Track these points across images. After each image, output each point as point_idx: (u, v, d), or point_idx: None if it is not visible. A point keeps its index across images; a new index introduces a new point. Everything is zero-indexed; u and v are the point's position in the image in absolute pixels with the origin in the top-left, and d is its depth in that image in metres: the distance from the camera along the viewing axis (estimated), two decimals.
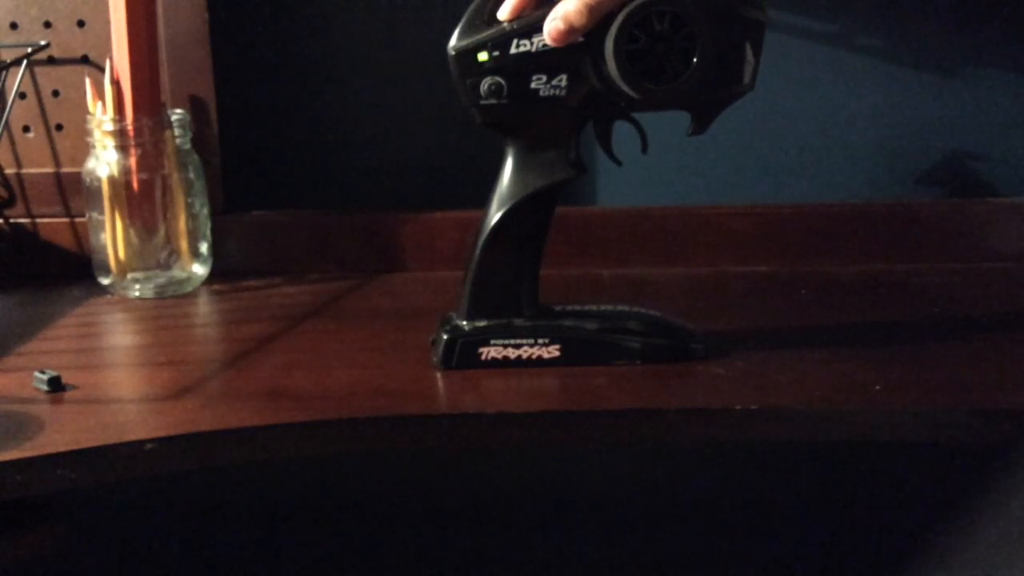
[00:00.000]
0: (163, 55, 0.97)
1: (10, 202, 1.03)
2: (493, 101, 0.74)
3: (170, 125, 0.95)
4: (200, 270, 0.99)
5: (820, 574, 1.11)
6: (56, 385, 0.76)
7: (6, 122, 0.98)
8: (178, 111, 0.98)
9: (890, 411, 0.72)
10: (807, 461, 1.10)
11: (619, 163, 0.77)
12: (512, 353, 0.78)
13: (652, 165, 0.90)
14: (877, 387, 0.74)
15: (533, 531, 1.12)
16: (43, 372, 0.77)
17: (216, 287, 0.99)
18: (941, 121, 1.04)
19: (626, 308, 0.81)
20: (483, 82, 0.73)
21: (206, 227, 0.99)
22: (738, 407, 0.71)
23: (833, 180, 1.05)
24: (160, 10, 0.96)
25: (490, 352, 0.78)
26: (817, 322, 0.88)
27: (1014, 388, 0.74)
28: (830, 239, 1.02)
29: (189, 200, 0.97)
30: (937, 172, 1.04)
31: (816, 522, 1.10)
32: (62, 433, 0.70)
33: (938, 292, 0.95)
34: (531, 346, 0.78)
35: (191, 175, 0.97)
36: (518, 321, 0.78)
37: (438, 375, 0.78)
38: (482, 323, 0.78)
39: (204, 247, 0.99)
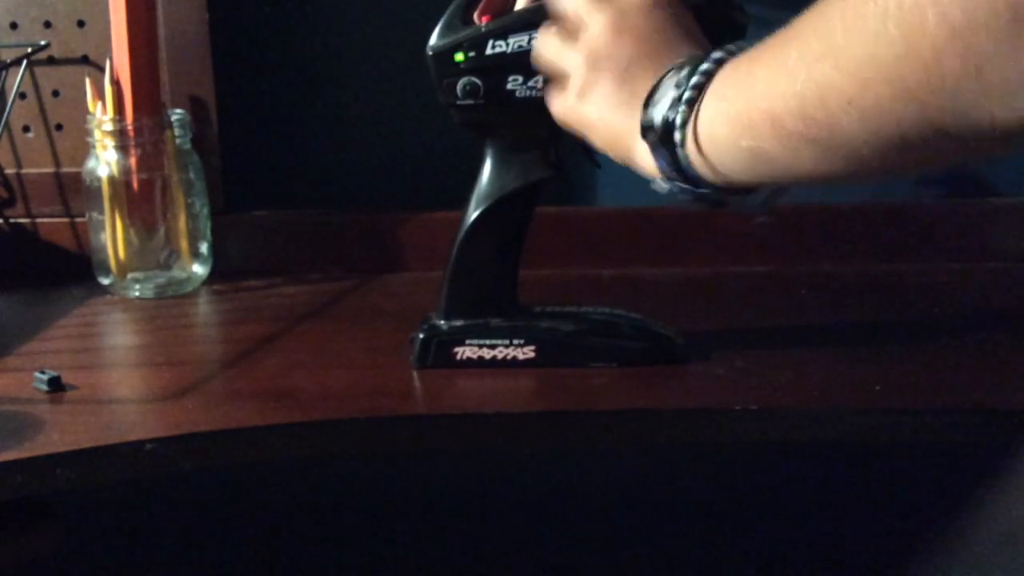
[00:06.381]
0: (163, 55, 0.97)
1: (10, 202, 1.03)
2: (470, 101, 0.73)
3: (170, 125, 0.95)
4: (200, 270, 0.99)
5: (820, 574, 1.11)
6: (56, 385, 0.76)
7: (6, 122, 0.98)
8: (178, 111, 0.98)
9: (890, 411, 0.72)
10: (807, 461, 1.10)
11: (598, 165, 0.76)
12: (487, 353, 0.78)
13: None
14: (877, 387, 0.74)
15: (533, 531, 1.12)
16: (43, 372, 0.77)
17: (216, 287, 0.99)
18: None
19: (607, 310, 0.80)
20: (459, 82, 0.73)
21: (206, 227, 0.99)
22: (738, 407, 0.71)
23: None
24: (160, 10, 0.96)
25: (465, 352, 0.78)
26: (817, 322, 0.88)
27: (1014, 388, 0.74)
28: (830, 239, 1.02)
29: (189, 200, 0.97)
30: (937, 172, 1.04)
31: (816, 522, 1.10)
32: (62, 433, 0.70)
33: (938, 292, 0.95)
34: (506, 347, 0.78)
35: (191, 175, 0.97)
36: (495, 321, 0.78)
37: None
38: (459, 323, 0.78)
39: (204, 247, 0.99)
